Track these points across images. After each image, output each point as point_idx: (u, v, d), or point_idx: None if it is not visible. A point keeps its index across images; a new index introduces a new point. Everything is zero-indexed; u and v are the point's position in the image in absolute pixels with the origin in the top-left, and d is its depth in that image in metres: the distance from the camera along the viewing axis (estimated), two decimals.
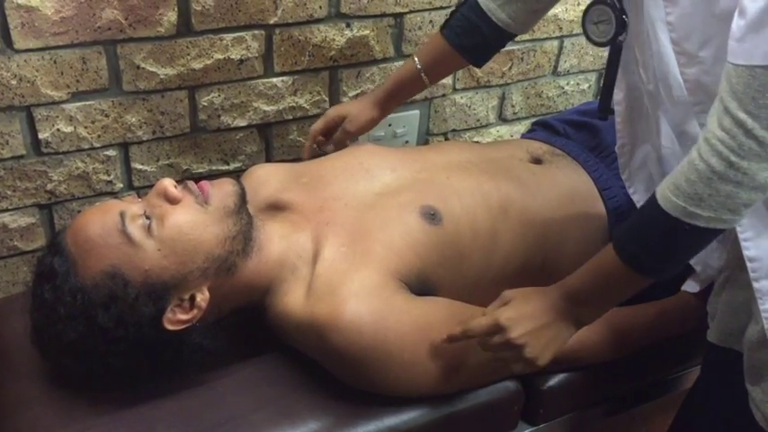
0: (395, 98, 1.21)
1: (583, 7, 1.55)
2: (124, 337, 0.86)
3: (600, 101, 0.99)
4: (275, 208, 1.04)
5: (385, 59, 1.40)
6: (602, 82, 0.87)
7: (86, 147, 1.21)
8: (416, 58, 1.17)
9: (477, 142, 1.59)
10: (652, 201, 0.75)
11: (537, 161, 1.15)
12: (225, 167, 1.35)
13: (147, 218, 0.87)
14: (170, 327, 0.88)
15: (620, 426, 1.20)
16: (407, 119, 1.49)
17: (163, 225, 0.87)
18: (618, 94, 0.96)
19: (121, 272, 0.85)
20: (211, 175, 1.35)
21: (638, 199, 1.03)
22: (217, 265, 0.90)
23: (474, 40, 1.11)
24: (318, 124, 1.22)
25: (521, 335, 0.84)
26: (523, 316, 0.85)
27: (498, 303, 0.88)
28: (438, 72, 1.19)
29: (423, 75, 1.16)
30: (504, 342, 0.85)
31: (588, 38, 0.86)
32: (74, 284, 0.85)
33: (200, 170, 1.33)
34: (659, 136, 0.92)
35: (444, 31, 1.13)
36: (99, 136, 1.21)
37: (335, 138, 1.21)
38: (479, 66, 1.17)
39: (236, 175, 1.36)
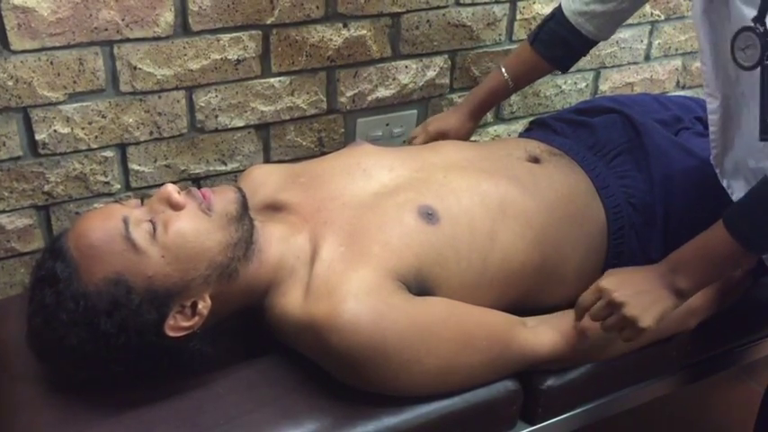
0: (486, 108, 1.33)
1: None
2: (125, 344, 0.86)
3: (761, 124, 0.94)
4: (273, 208, 1.04)
5: (382, 59, 1.40)
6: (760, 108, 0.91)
7: (83, 148, 1.21)
8: (503, 69, 1.27)
9: (474, 141, 1.59)
10: (765, 180, 0.83)
11: (535, 160, 1.15)
12: (222, 168, 1.35)
13: (152, 224, 0.87)
14: (171, 333, 0.88)
15: (618, 425, 1.21)
16: (405, 118, 1.49)
17: (167, 232, 0.87)
18: (713, 103, 1.01)
19: (125, 278, 0.85)
20: (209, 176, 1.35)
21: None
22: (219, 271, 0.90)
23: (563, 51, 1.24)
24: (419, 140, 1.30)
25: (621, 294, 0.92)
26: (624, 280, 0.94)
27: (603, 275, 0.96)
28: (524, 80, 1.31)
29: (510, 84, 1.28)
30: (606, 304, 0.93)
31: (736, 62, 0.90)
32: (76, 290, 0.84)
33: (198, 171, 1.33)
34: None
35: (534, 45, 1.24)
36: (96, 137, 1.21)
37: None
38: (565, 71, 1.29)
39: (234, 175, 1.36)
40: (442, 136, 1.29)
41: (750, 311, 1.08)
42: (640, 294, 0.92)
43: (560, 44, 1.22)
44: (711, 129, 1.03)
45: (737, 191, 1.03)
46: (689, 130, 1.29)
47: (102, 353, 0.86)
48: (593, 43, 1.23)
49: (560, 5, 1.20)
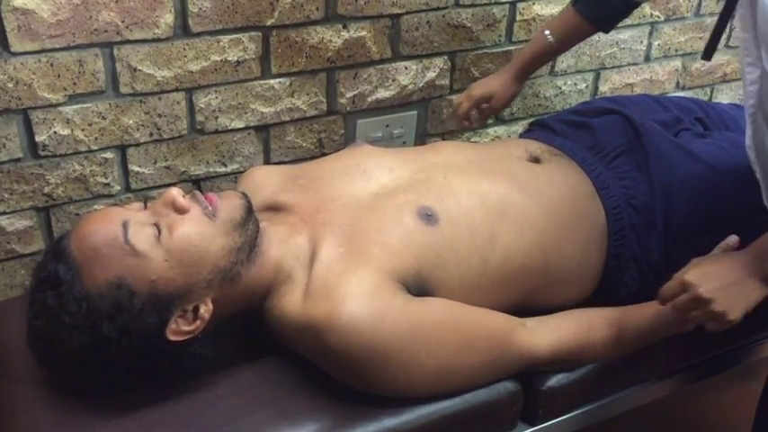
0: (529, 71, 1.36)
1: None
2: (127, 347, 0.86)
3: (707, 47, 1.04)
4: (272, 210, 1.04)
5: (382, 60, 1.40)
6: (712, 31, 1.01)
7: (84, 149, 1.21)
8: (547, 32, 1.31)
9: (475, 142, 1.59)
10: None
11: (536, 160, 1.15)
12: (223, 169, 1.35)
13: (157, 227, 0.87)
14: (173, 338, 0.88)
15: (618, 426, 1.21)
16: (405, 119, 1.49)
17: (171, 235, 0.87)
18: (753, 73, 0.95)
19: (127, 282, 0.85)
20: (209, 177, 1.35)
21: None
22: (222, 276, 0.90)
23: (604, 12, 1.27)
24: (465, 106, 1.35)
25: (708, 290, 0.89)
26: (710, 273, 0.90)
27: (687, 267, 0.93)
28: (568, 42, 1.34)
29: (553, 44, 1.31)
30: (692, 299, 0.90)
31: None
32: (79, 293, 0.84)
33: (198, 172, 1.33)
34: None
35: (576, 6, 1.28)
36: (96, 138, 1.21)
37: (484, 114, 1.36)
38: (607, 32, 1.33)
39: (234, 176, 1.36)
40: (486, 100, 1.33)
41: (750, 312, 1.07)
42: (728, 287, 0.90)
43: (602, 5, 1.26)
44: (750, 102, 0.97)
45: None
46: (689, 131, 1.29)
47: (103, 356, 0.86)
48: (635, 4, 1.27)
49: None
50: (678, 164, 1.16)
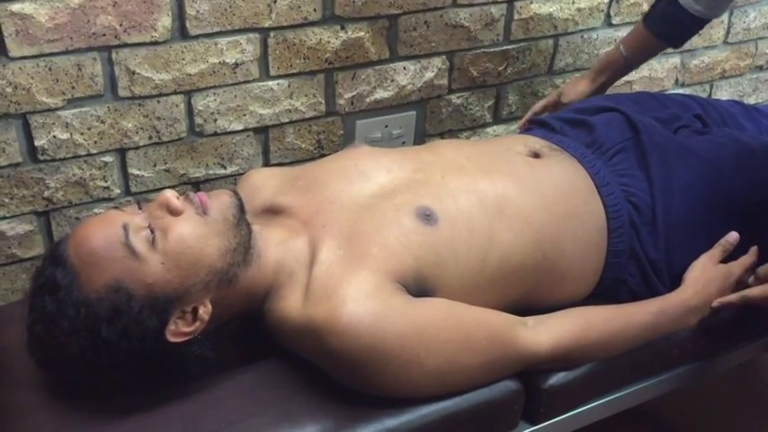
0: (601, 76, 1.41)
1: (578, 6, 1.56)
2: (126, 350, 0.86)
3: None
4: (272, 212, 1.04)
5: (380, 61, 1.40)
6: None
7: (83, 153, 1.21)
8: (621, 47, 1.37)
9: (474, 140, 1.59)
10: None
11: (535, 155, 1.14)
12: (222, 171, 1.35)
13: (151, 230, 0.87)
14: (173, 339, 0.88)
15: (620, 424, 1.20)
16: (404, 120, 1.50)
17: (167, 238, 0.87)
18: None
19: (125, 285, 0.85)
20: (209, 180, 1.35)
21: None
22: (219, 277, 0.90)
23: (673, 29, 1.32)
24: (540, 102, 1.44)
25: None
26: None
27: None
28: (640, 56, 1.40)
29: (626, 59, 1.38)
30: None
31: None
32: (77, 298, 0.84)
33: (198, 175, 1.33)
34: None
35: (646, 23, 1.34)
36: (95, 142, 1.21)
37: (552, 108, 1.43)
38: (678, 47, 1.39)
39: (234, 178, 1.36)
40: (557, 96, 1.42)
41: (751, 309, 1.07)
42: None
43: (670, 23, 1.31)
44: None
45: None
46: (688, 129, 1.29)
47: (103, 360, 0.86)
48: (704, 21, 1.30)
49: None
50: (677, 161, 1.15)
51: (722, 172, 1.16)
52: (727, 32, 1.81)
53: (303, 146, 1.41)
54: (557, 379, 1.02)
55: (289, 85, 1.33)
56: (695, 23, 1.31)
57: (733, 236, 1.12)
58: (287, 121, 1.37)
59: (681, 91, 1.82)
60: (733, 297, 1.07)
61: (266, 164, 1.39)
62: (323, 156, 1.40)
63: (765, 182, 1.17)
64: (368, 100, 1.43)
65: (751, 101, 1.95)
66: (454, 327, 0.93)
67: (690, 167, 1.16)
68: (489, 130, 1.62)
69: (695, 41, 1.76)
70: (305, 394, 0.93)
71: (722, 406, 1.58)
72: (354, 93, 1.40)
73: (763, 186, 1.17)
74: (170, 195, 0.89)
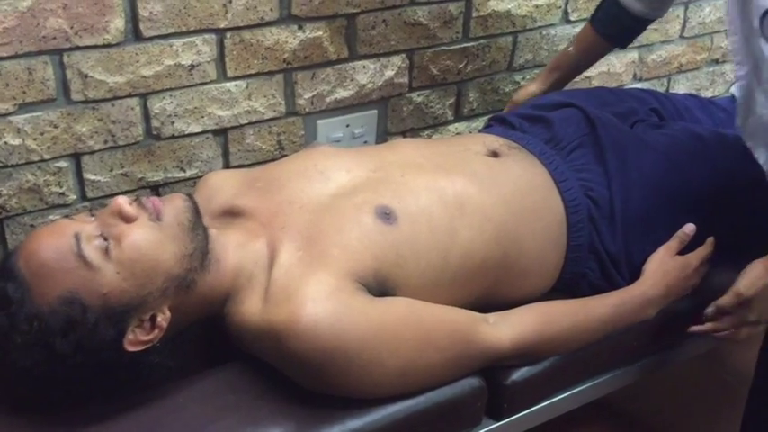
0: (552, 76, 1.42)
1: (535, 2, 1.57)
2: (83, 363, 0.84)
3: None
4: (230, 214, 1.03)
5: (339, 60, 1.40)
6: None
7: (36, 159, 1.18)
8: (571, 47, 1.41)
9: (435, 139, 1.59)
10: None
11: (494, 154, 1.15)
12: (181, 174, 1.33)
13: (104, 239, 0.85)
14: (131, 348, 0.86)
15: (583, 416, 1.22)
16: (365, 119, 1.49)
17: (120, 246, 0.85)
18: (741, 70, 1.06)
19: (79, 297, 0.83)
20: (168, 183, 1.33)
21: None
22: (176, 283, 0.89)
23: (617, 29, 1.35)
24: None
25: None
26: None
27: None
28: (589, 57, 1.43)
29: (577, 59, 1.41)
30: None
31: (765, 37, 0.96)
32: (29, 312, 0.82)
33: (156, 178, 1.31)
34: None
35: (593, 22, 1.37)
36: (49, 147, 1.19)
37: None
38: (624, 47, 1.44)
39: (194, 181, 1.34)
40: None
41: (708, 299, 1.09)
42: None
43: (614, 23, 1.33)
44: (738, 95, 1.08)
45: (760, 155, 1.08)
46: (644, 122, 1.31)
47: (58, 373, 0.84)
48: (647, 21, 1.33)
49: None
50: (634, 155, 1.17)
51: (678, 165, 1.18)
52: (683, 27, 1.83)
53: (264, 147, 1.40)
54: (519, 374, 1.03)
55: (247, 86, 1.32)
56: (638, 23, 1.33)
57: (689, 227, 1.14)
58: (246, 122, 1.35)
59: (639, 85, 1.85)
60: (706, 327, 1.09)
61: (226, 166, 1.38)
62: (284, 157, 1.39)
63: (720, 174, 1.19)
64: (328, 100, 1.42)
65: (708, 94, 1.99)
66: (415, 325, 0.93)
67: (646, 161, 1.17)
68: (451, 127, 1.62)
69: (652, 36, 1.78)
70: (267, 398, 0.93)
71: (687, 396, 1.61)
72: (314, 93, 1.40)
73: (718, 178, 1.19)
74: (122, 202, 0.87)
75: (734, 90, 1.15)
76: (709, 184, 1.19)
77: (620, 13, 1.31)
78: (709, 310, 1.06)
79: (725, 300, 1.04)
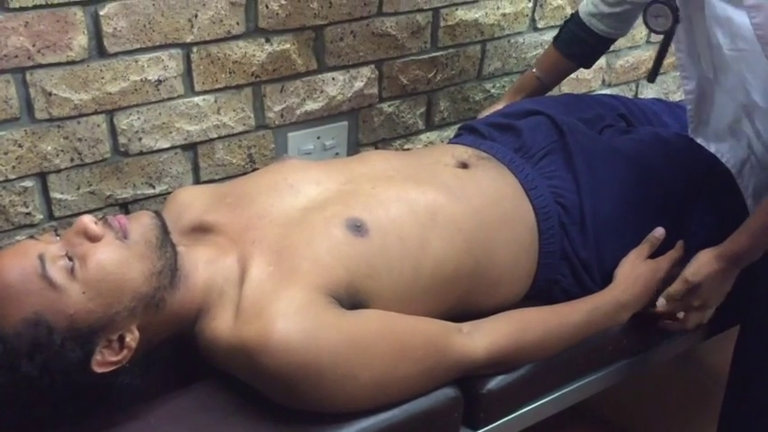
0: (516, 97, 1.43)
1: (503, 11, 1.58)
2: (50, 385, 0.82)
3: (651, 71, 1.22)
4: (200, 230, 1.02)
5: (309, 72, 1.39)
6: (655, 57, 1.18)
7: (0, 179, 1.16)
8: (535, 69, 1.43)
9: (405, 150, 1.59)
10: None
11: (463, 165, 1.15)
12: (151, 191, 1.32)
13: (70, 259, 0.84)
14: (99, 370, 0.85)
15: (561, 422, 1.22)
16: (336, 130, 1.49)
17: (86, 266, 0.84)
18: (689, 84, 1.15)
19: (45, 318, 0.81)
20: (137, 200, 1.31)
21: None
22: (145, 302, 0.87)
23: (581, 49, 1.38)
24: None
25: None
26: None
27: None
28: (553, 77, 1.44)
29: (541, 80, 1.42)
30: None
31: (648, 27, 1.11)
32: None
33: (125, 195, 1.29)
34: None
35: (556, 43, 1.39)
36: (13, 167, 1.17)
37: None
38: (588, 67, 1.45)
39: (163, 198, 1.33)
40: None
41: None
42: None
43: (578, 43, 1.36)
44: (689, 107, 1.19)
45: (725, 153, 1.16)
46: (612, 128, 1.31)
47: (24, 396, 0.82)
48: (610, 41, 1.36)
49: (578, 7, 1.36)
50: (602, 161, 1.18)
51: (646, 169, 1.19)
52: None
53: (234, 161, 1.39)
54: (495, 383, 1.03)
55: (215, 101, 1.31)
56: (602, 43, 1.36)
57: (659, 231, 1.15)
58: (216, 136, 1.34)
59: (608, 91, 1.86)
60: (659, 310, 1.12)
61: (197, 181, 1.36)
62: (255, 170, 1.38)
63: (688, 178, 1.21)
64: (298, 112, 1.41)
65: (675, 98, 2.01)
66: (389, 338, 0.92)
67: (615, 166, 1.18)
68: (423, 136, 1.62)
69: (619, 42, 1.79)
70: (240, 415, 0.92)
71: (664, 398, 1.62)
72: (284, 105, 1.39)
73: (686, 181, 1.20)
74: (87, 221, 0.86)
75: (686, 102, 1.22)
76: (678, 188, 1.20)
77: (583, 33, 1.34)
78: (661, 299, 1.10)
79: (674, 287, 1.09)
